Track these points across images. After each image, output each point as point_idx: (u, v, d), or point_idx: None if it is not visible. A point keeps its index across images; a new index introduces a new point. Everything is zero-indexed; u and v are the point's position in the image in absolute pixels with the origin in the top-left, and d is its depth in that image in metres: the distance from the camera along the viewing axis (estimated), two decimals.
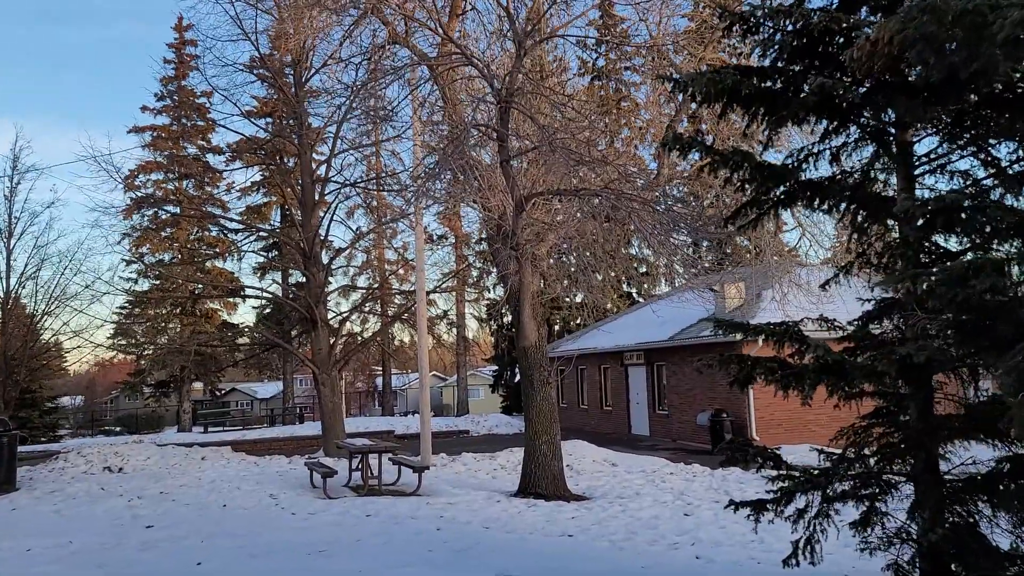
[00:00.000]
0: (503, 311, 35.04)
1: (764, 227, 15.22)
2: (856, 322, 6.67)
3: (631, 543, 9.19)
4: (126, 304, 29.86)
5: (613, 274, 35.84)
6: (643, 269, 38.37)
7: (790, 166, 5.94)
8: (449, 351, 37.78)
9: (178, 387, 31.23)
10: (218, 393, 40.19)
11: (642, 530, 9.86)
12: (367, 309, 30.84)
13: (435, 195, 10.58)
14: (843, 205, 6.09)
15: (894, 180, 6.29)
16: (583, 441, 18.36)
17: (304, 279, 20.17)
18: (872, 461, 5.93)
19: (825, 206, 6.01)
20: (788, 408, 19.15)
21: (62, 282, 19.31)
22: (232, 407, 59.00)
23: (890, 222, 6.32)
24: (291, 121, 21.23)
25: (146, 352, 28.37)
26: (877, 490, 5.62)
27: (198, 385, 38.70)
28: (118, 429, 37.37)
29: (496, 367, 37.04)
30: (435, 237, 33.36)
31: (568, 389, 29.56)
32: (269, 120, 25.43)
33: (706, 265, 13.91)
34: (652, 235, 8.97)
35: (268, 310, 33.97)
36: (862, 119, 6.08)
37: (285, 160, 23.52)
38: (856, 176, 6.39)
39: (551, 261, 15.85)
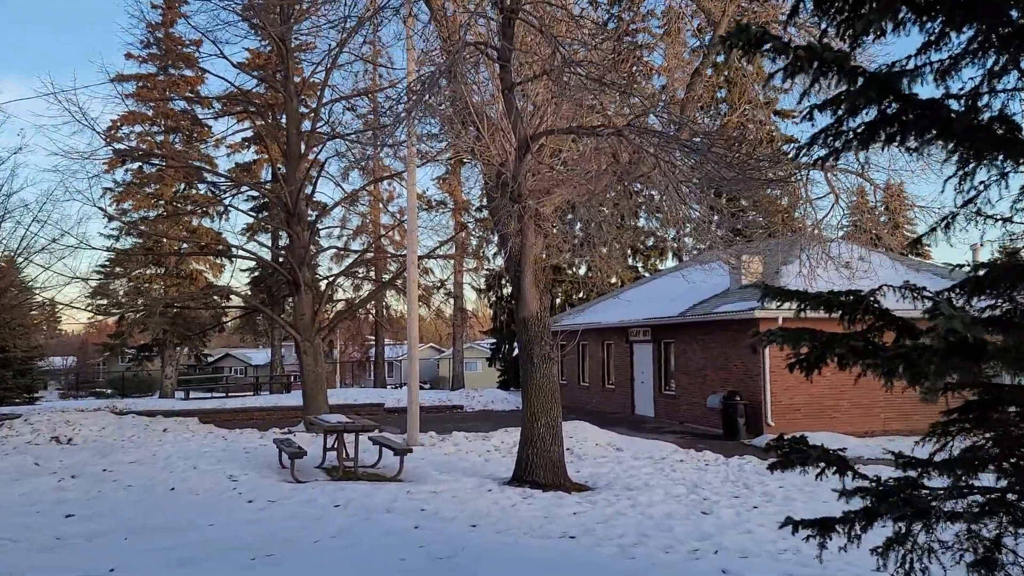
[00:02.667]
0: (503, 282, 33.57)
1: (802, 184, 13.66)
2: (948, 293, 5.20)
3: (643, 549, 7.77)
4: (107, 263, 28.39)
5: (619, 246, 34.34)
6: (651, 242, 36.83)
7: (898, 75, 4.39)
8: (446, 322, 36.34)
9: (161, 351, 29.82)
10: (203, 358, 38.79)
11: (655, 532, 8.43)
12: (362, 275, 29.39)
13: (429, 117, 9.00)
14: (958, 138, 4.55)
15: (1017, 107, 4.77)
16: (584, 422, 16.95)
17: (288, 238, 18.64)
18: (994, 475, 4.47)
19: (936, 136, 4.47)
20: (808, 393, 17.71)
21: (28, 235, 17.78)
22: (226, 373, 57.81)
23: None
24: (280, 73, 19.58)
25: (127, 313, 26.91)
26: (1006, 519, 4.13)
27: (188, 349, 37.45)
28: (109, 392, 36.15)
29: (494, 340, 35.65)
30: (433, 203, 31.84)
31: (568, 365, 28.15)
32: (261, 73, 23.79)
33: (738, 226, 12.35)
34: (679, 187, 7.45)
35: (256, 273, 32.49)
36: (986, 16, 4.54)
37: (277, 116, 21.92)
38: (966, 100, 4.84)
39: (556, 225, 14.32)
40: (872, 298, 5.11)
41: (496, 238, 14.38)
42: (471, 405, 25.85)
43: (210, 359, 63.35)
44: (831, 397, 17.81)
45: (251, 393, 29.98)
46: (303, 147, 18.27)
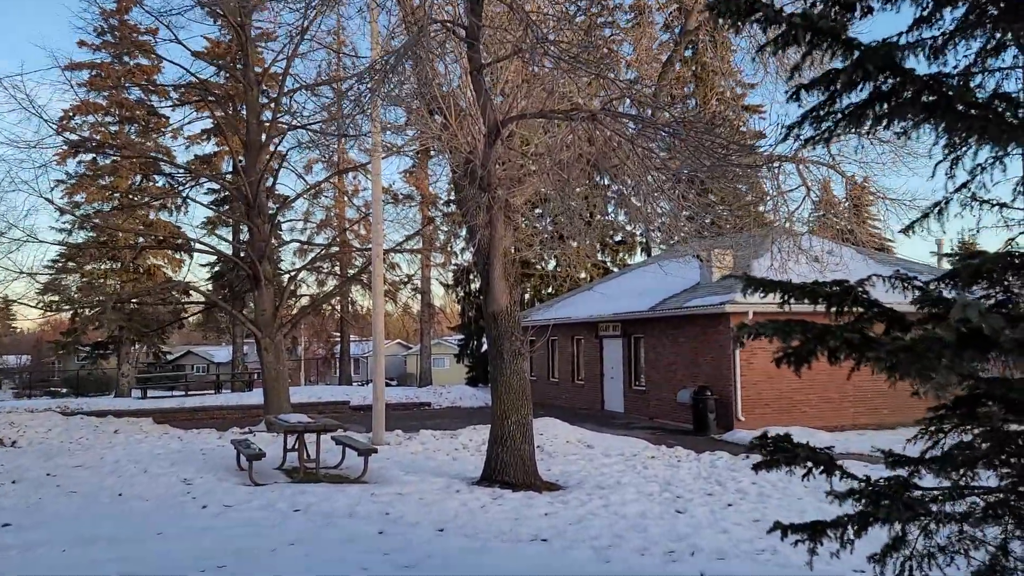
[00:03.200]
0: (471, 277, 33.14)
1: (776, 171, 13.45)
2: (938, 285, 4.97)
3: (618, 552, 7.46)
4: (59, 257, 27.38)
5: (588, 241, 34.15)
6: (620, 237, 36.65)
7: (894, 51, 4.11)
8: (413, 318, 35.83)
9: (117, 349, 28.87)
10: (162, 356, 37.77)
11: (629, 533, 8.14)
12: (326, 270, 28.78)
13: (393, 96, 8.54)
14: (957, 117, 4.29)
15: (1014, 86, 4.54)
16: (554, 419, 16.65)
17: (248, 232, 18.01)
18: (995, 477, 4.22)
19: (937, 114, 4.19)
20: (778, 387, 17.61)
21: None
22: (187, 371, 56.58)
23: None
24: (239, 62, 18.92)
25: (80, 310, 25.97)
26: (1011, 523, 3.87)
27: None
28: (64, 391, 34.99)
29: (463, 336, 35.22)
30: (400, 196, 31.32)
31: (538, 361, 27.85)
32: (221, 62, 23.04)
33: (707, 221, 12.08)
34: (654, 175, 7.13)
35: (217, 268, 31.64)
36: None
37: (237, 106, 21.23)
38: (958, 79, 4.59)
39: (526, 218, 13.97)
40: (861, 288, 4.84)
41: (464, 231, 13.91)
42: (439, 402, 25.43)
43: (170, 357, 61.97)
44: (801, 392, 17.73)
45: (212, 391, 29.20)
46: (264, 137, 17.67)
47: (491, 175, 8.87)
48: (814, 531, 4.47)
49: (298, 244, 25.99)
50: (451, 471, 11.88)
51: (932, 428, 4.89)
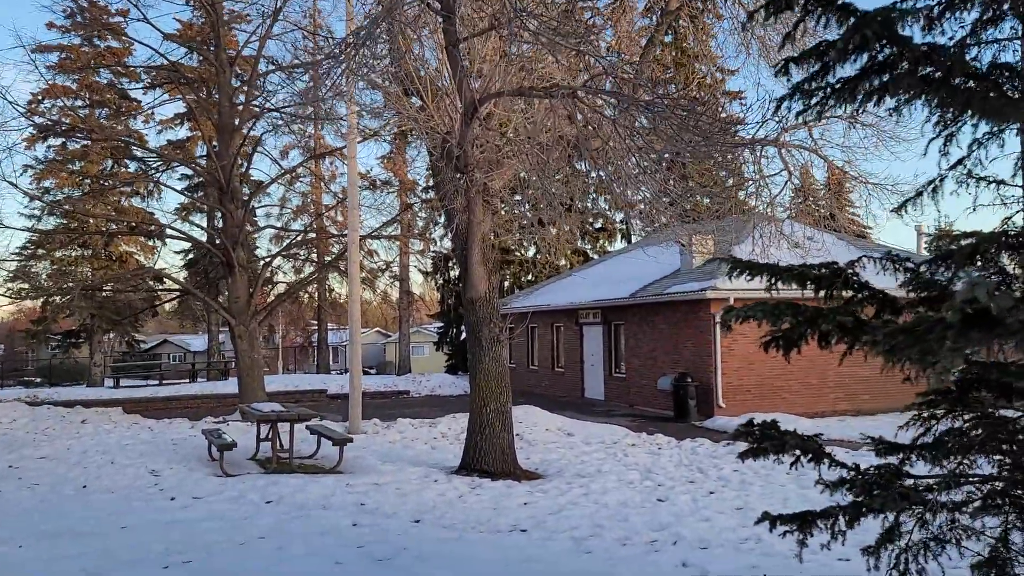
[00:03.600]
0: (450, 264, 32.86)
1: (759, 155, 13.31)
2: (929, 267, 4.83)
3: (599, 542, 7.30)
4: (28, 244, 26.73)
5: (568, 228, 33.93)
6: (600, 224, 36.50)
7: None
8: (392, 306, 35.51)
9: (89, 337, 28.31)
10: (136, 345, 37.17)
11: (610, 522, 7.98)
12: (303, 256, 28.37)
13: (367, 70, 8.23)
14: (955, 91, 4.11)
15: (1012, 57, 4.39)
16: (534, 407, 16.48)
17: (221, 217, 17.61)
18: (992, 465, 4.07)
19: (935, 86, 4.01)
20: (758, 374, 17.56)
21: None
22: (163, 360, 55.89)
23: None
24: (211, 44, 18.43)
25: (50, 298, 25.37)
26: (1012, 513, 3.72)
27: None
28: (38, 380, 34.36)
29: (442, 324, 34.96)
30: (378, 182, 30.91)
31: (517, 349, 27.68)
32: (193, 44, 22.49)
33: (687, 207, 11.91)
34: (637, 156, 6.92)
35: (191, 256, 31.10)
36: None
37: (211, 89, 20.73)
38: (953, 51, 4.41)
39: (506, 203, 13.73)
40: (851, 271, 4.67)
41: (442, 216, 13.57)
42: (418, 390, 25.19)
43: (146, 346, 61.15)
44: (781, 378, 17.69)
45: (187, 380, 28.74)
46: (237, 121, 17.26)
47: (468, 156, 8.61)
48: (803, 522, 4.30)
49: (273, 230, 25.52)
50: (429, 460, 11.68)
51: (924, 415, 4.75)
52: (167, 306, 54.79)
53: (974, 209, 4.55)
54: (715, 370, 17.26)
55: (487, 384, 10.84)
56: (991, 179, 4.48)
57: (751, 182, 14.15)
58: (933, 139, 4.77)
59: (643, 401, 19.69)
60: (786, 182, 14.00)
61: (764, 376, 17.58)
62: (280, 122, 17.41)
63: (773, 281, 4.81)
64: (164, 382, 26.86)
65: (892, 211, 4.85)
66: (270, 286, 23.49)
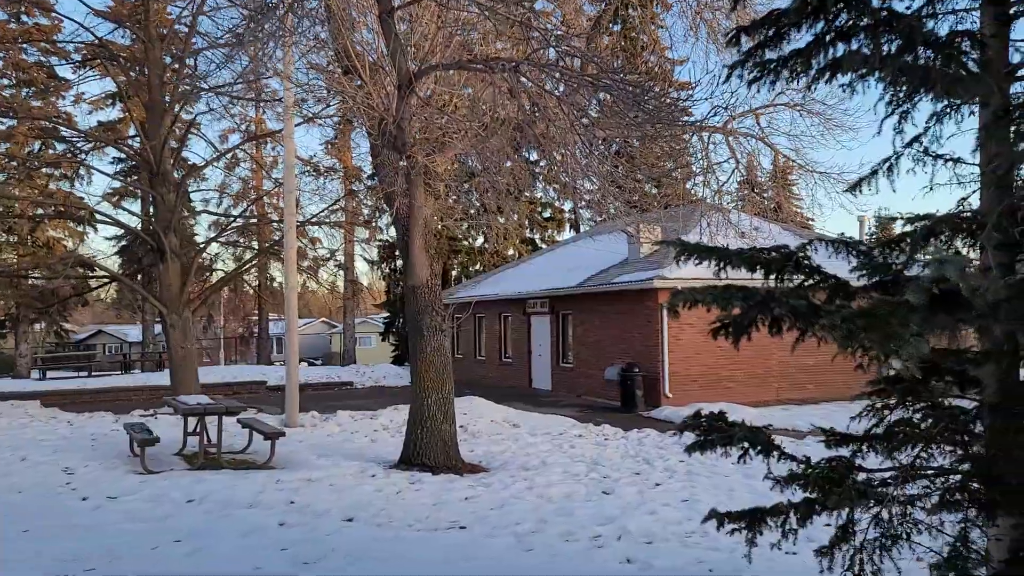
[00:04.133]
0: (396, 253, 32.25)
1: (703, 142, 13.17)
2: (882, 251, 4.64)
3: (542, 538, 7.00)
4: None
5: (516, 217, 33.62)
6: (548, 213, 36.28)
7: None
8: (338, 296, 34.75)
9: (14, 327, 26.94)
10: (66, 335, 35.64)
11: (554, 517, 7.69)
12: (244, 243, 27.49)
13: (307, 50, 7.73)
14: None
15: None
16: (479, 398, 16.14)
17: (152, 201, 16.77)
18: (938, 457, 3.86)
19: (893, 54, 3.76)
20: (704, 363, 17.52)
21: None
22: (99, 351, 53.84)
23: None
24: (141, 18, 17.50)
25: None
26: (971, 509, 3.50)
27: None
28: None
29: (388, 314, 34.35)
30: (322, 169, 30.12)
31: (464, 339, 27.30)
32: (123, 20, 21.39)
33: (634, 198, 11.67)
34: (584, 137, 6.60)
35: (124, 242, 29.86)
36: None
37: (143, 70, 19.75)
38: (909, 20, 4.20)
39: (451, 189, 13.32)
40: (802, 254, 4.44)
41: (383, 200, 13.07)
42: (362, 381, 24.61)
43: (80, 336, 58.88)
44: (727, 367, 17.69)
45: (119, 372, 27.59)
46: (168, 100, 16.44)
47: (405, 134, 8.18)
48: (752, 520, 4.05)
49: (212, 217, 24.56)
50: (368, 454, 11.24)
51: (877, 405, 4.55)
52: (104, 296, 52.79)
53: (931, 188, 4.34)
54: (662, 360, 17.15)
55: (428, 374, 10.46)
56: (948, 157, 4.27)
57: (699, 172, 13.99)
58: (887, 117, 4.54)
59: (590, 391, 19.52)
60: (733, 170, 13.88)
61: (710, 366, 17.55)
62: (216, 103, 16.68)
63: (722, 265, 4.55)
64: (95, 374, 25.71)
65: (846, 191, 4.61)
66: (209, 274, 22.60)
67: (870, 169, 4.47)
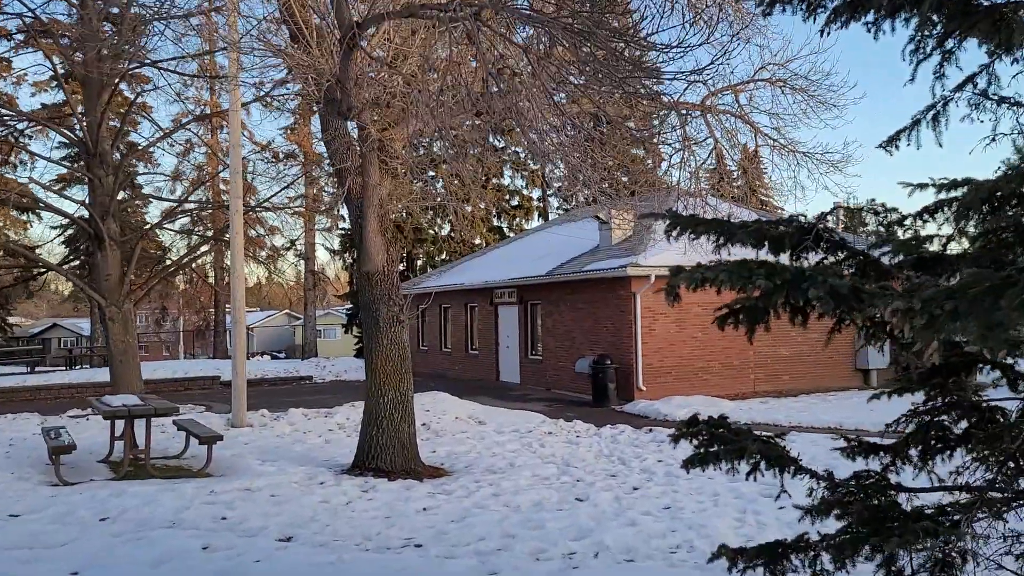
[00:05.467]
0: None
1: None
2: (915, 220, 3.87)
3: (508, 558, 6.14)
4: None
5: (483, 205, 32.67)
6: (516, 201, 35.38)
7: None
8: (299, 287, 33.58)
9: None
10: (8, 329, 33.96)
11: (522, 530, 6.83)
12: (199, 232, 26.18)
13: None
14: None
15: None
16: (444, 393, 15.24)
17: (89, 185, 15.53)
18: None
19: None
20: (679, 355, 16.80)
21: None
22: (54, 345, 51.90)
23: None
24: None
25: None
26: None
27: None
28: None
29: (351, 305, 33.23)
30: (281, 155, 28.92)
31: (430, 330, 26.35)
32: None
33: (605, 186, 10.83)
34: (555, 93, 5.75)
35: (70, 231, 28.36)
36: None
37: (84, 47, 18.40)
38: None
39: (410, 167, 12.35)
40: (823, 225, 3.62)
41: (335, 178, 11.92)
42: (322, 376, 23.54)
43: (35, 330, 56.70)
44: (702, 359, 16.99)
45: (65, 368, 26.17)
46: (106, 76, 15.20)
47: (351, 96, 7.23)
48: (773, 557, 3.21)
49: (162, 203, 23.23)
50: (320, 457, 10.30)
51: (921, 409, 3.74)
52: (61, 288, 50.64)
53: (993, 139, 3.53)
54: (635, 351, 16.39)
55: (385, 369, 9.53)
56: (1012, 100, 3.46)
57: (676, 150, 13.15)
58: (924, 59, 3.72)
59: (561, 384, 18.71)
60: (711, 150, 13.11)
61: (685, 357, 16.85)
62: (163, 82, 15.50)
63: (722, 241, 3.72)
64: (37, 370, 24.30)
65: (880, 146, 3.77)
66: (159, 264, 21.36)
67: (911, 120, 3.66)
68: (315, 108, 8.81)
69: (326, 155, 11.92)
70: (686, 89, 11.16)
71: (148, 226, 17.04)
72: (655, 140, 15.30)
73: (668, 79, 5.40)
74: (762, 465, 3.69)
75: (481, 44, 5.07)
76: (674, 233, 3.87)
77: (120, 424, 8.79)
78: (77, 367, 26.72)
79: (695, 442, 3.92)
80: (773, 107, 12.75)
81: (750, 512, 7.46)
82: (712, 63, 5.94)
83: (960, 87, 3.53)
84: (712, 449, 3.83)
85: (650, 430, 12.50)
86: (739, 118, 12.78)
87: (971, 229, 3.31)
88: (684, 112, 12.36)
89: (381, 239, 9.68)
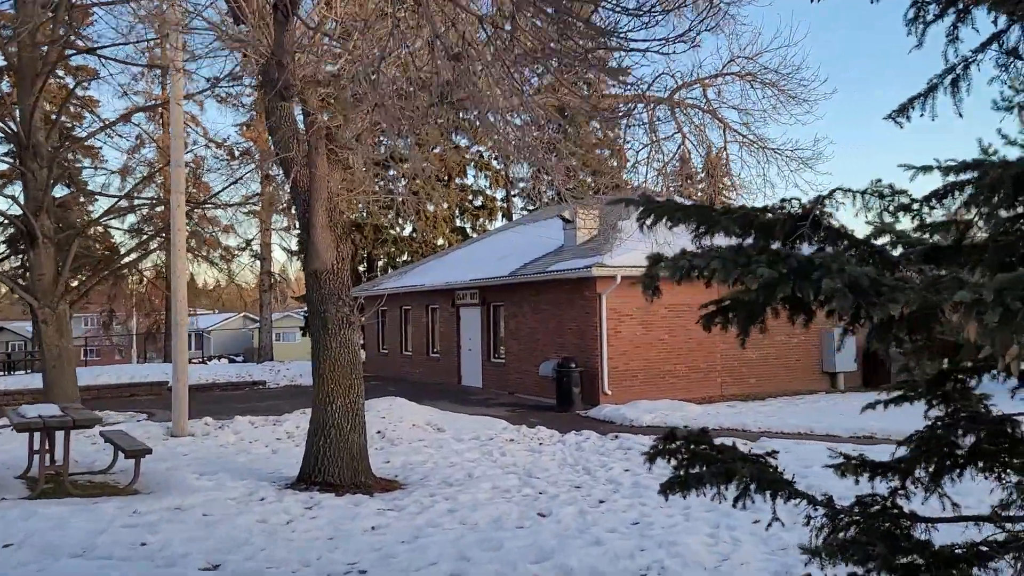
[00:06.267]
0: None
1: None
2: (929, 204, 3.40)
3: None
4: None
5: (446, 205, 32.01)
6: (480, 202, 34.77)
7: None
8: (254, 289, 32.53)
9: None
10: None
11: (479, 552, 6.22)
12: (150, 231, 25.11)
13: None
14: None
15: None
16: (401, 398, 14.56)
17: (22, 179, 14.55)
18: None
19: None
20: (645, 358, 16.35)
21: None
22: (3, 349, 49.88)
23: None
24: None
25: None
26: None
27: None
28: None
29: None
30: (236, 152, 27.95)
31: (390, 333, 25.61)
32: None
33: (569, 187, 10.31)
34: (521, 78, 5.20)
35: (12, 230, 26.99)
36: None
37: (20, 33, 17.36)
38: None
39: (363, 163, 11.71)
40: (820, 209, 3.13)
41: (280, 168, 11.02)
42: (276, 380, 22.67)
43: None
44: (668, 362, 16.56)
45: (1, 372, 24.89)
46: (41, 63, 14.27)
47: (289, 73, 6.57)
48: None
49: (98, 197, 22.07)
50: (264, 469, 9.58)
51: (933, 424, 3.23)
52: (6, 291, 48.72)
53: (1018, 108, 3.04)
54: (600, 354, 15.88)
55: (334, 374, 8.86)
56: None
57: (643, 146, 12.68)
58: (933, 21, 3.22)
59: (524, 388, 18.14)
60: (679, 146, 12.67)
61: (651, 360, 16.39)
62: (105, 72, 14.63)
63: (702, 229, 3.19)
64: None
65: (888, 117, 3.25)
66: (102, 264, 20.29)
67: (926, 84, 3.15)
68: (257, 91, 8.11)
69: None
70: (656, 79, 10.67)
71: (85, 222, 16.04)
72: (620, 132, 14.80)
73: (638, 49, 4.86)
74: (752, 488, 3.16)
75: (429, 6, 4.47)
76: (647, 221, 3.33)
77: (38, 437, 7.98)
78: (18, 372, 25.43)
79: (673, 461, 3.37)
80: (742, 102, 12.37)
81: (724, 527, 6.94)
82: (689, 30, 5.42)
83: (984, 46, 3.04)
84: (694, 471, 3.28)
85: (616, 436, 11.99)
86: (708, 113, 12.36)
87: (1003, 212, 2.82)
88: (652, 106, 11.91)
89: (330, 234, 9.02)
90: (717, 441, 3.47)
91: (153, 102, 26.52)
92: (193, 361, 43.61)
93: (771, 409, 14.97)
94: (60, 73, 20.73)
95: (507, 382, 18.99)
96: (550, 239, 19.12)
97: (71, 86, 19.46)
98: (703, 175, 18.19)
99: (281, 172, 9.63)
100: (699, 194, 17.12)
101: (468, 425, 13.09)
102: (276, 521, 6.96)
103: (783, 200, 3.17)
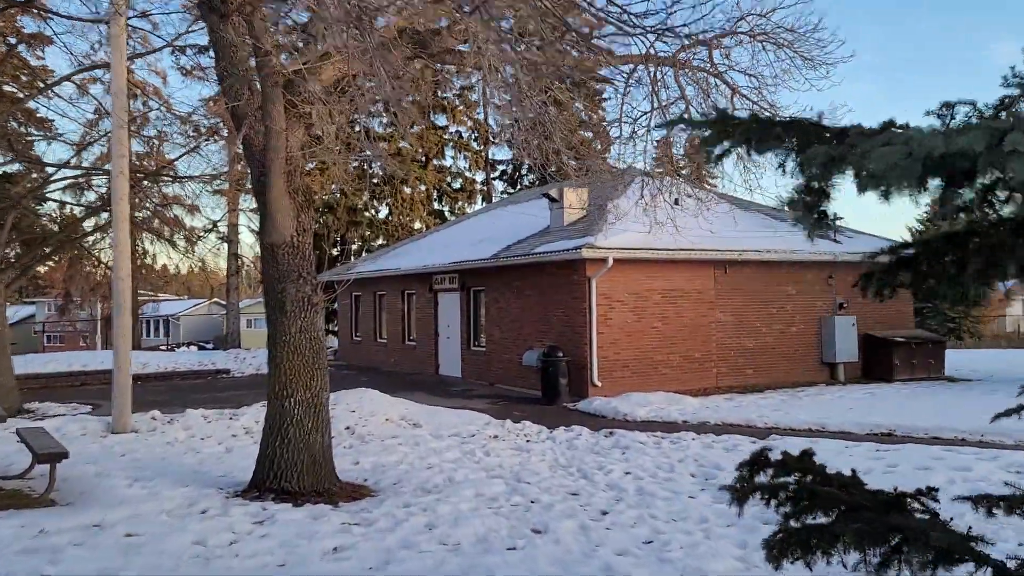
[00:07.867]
0: None
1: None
2: None
3: None
4: None
5: (424, 187, 30.67)
6: (458, 184, 33.47)
7: None
8: (220, 272, 31.00)
9: None
10: None
11: None
12: (95, 204, 23.48)
13: None
14: None
15: None
16: (374, 390, 13.32)
17: None
18: None
19: None
20: (637, 346, 15.23)
21: None
22: None
23: None
24: None
25: None
26: None
27: None
28: None
29: None
30: (202, 130, 26.39)
31: (363, 319, 24.30)
32: None
33: (552, 170, 9.12)
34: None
35: None
36: None
37: None
38: None
39: (332, 119, 10.42)
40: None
41: (231, 120, 9.61)
42: (241, 369, 21.31)
43: None
44: (662, 351, 15.46)
45: None
46: None
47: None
48: None
49: (44, 168, 20.35)
50: (214, 472, 8.33)
51: None
52: None
53: None
54: (590, 343, 14.73)
55: (292, 364, 7.62)
56: None
57: (644, 113, 11.50)
58: None
59: (506, 379, 16.97)
60: (682, 114, 11.50)
61: (644, 349, 15.28)
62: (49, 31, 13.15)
63: (796, 144, 1.97)
64: None
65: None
66: (47, 243, 18.76)
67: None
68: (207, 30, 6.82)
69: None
70: (661, 35, 9.51)
71: (22, 193, 14.55)
72: (620, 96, 13.65)
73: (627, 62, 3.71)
74: (914, 560, 1.99)
75: None
76: (725, 142, 2.17)
77: None
78: None
79: (784, 509, 2.18)
80: (753, 65, 11.24)
81: (752, 547, 5.81)
82: None
83: None
84: (816, 522, 2.10)
85: (611, 433, 10.88)
86: (715, 76, 11.20)
87: None
88: (655, 67, 10.78)
89: (289, 201, 7.76)
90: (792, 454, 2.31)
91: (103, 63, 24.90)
92: (160, 348, 41.98)
93: (773, 402, 13.94)
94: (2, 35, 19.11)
95: (488, 372, 17.81)
96: (535, 219, 17.94)
97: (13, 44, 17.85)
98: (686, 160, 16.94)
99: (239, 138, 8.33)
100: (681, 179, 16.02)
101: (447, 420, 11.90)
102: (216, 542, 5.72)
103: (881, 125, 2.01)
